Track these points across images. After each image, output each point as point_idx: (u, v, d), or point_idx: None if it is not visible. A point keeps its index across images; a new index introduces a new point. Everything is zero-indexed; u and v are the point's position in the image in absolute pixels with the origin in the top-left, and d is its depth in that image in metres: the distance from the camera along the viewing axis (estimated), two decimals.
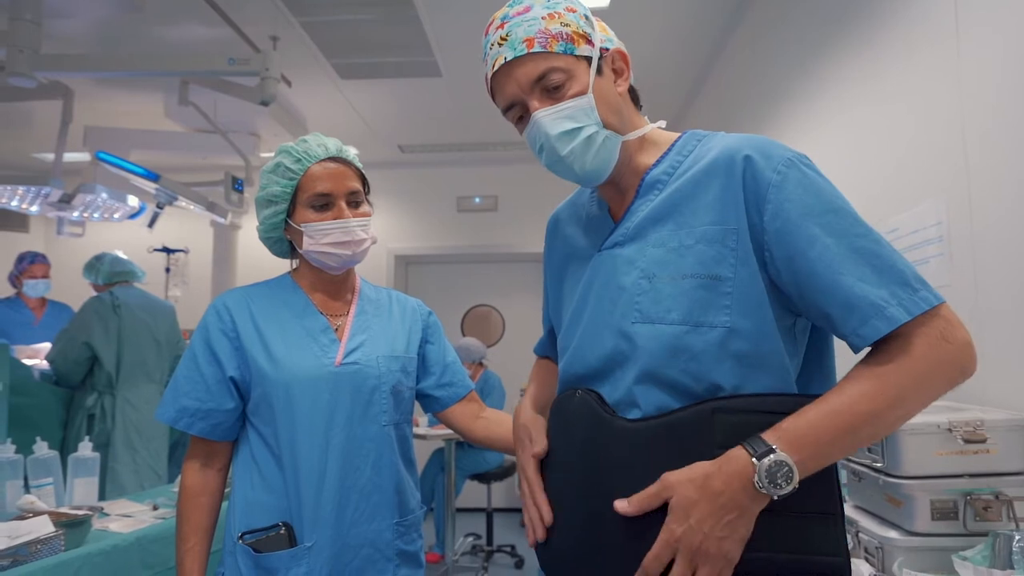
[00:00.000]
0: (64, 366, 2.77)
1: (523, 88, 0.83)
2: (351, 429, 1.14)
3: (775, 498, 0.69)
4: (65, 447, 2.70)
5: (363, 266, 1.30)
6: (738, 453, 0.70)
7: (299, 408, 1.12)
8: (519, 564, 4.03)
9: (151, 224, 3.58)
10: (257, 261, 5.05)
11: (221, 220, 3.90)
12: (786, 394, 0.76)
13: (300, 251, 1.21)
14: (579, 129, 0.83)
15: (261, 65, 2.81)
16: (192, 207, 3.67)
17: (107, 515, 1.72)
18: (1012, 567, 1.06)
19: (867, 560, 1.29)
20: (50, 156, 3.16)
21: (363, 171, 1.25)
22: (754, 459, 0.68)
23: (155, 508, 1.80)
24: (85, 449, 1.82)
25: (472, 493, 4.74)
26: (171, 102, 3.83)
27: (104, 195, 3.20)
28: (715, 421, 0.74)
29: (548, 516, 0.85)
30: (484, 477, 4.11)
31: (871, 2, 1.92)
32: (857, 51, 2.01)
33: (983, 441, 1.21)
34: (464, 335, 5.50)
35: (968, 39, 1.49)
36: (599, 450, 0.80)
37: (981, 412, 1.27)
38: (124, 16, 3.06)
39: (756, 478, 0.68)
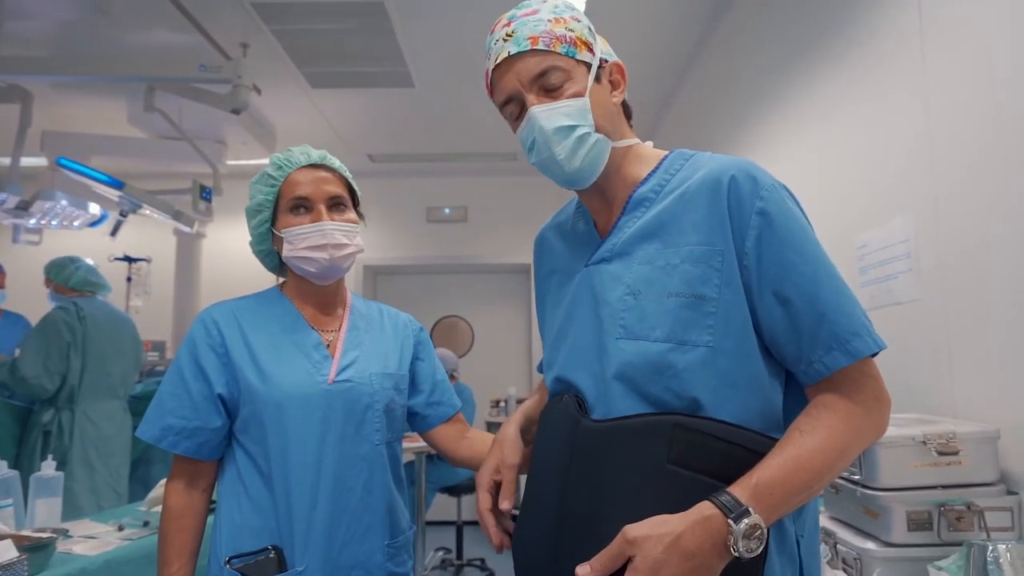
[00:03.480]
0: (42, 379, 2.62)
1: (523, 83, 0.85)
2: (343, 448, 1.11)
3: (742, 559, 0.67)
4: (19, 465, 2.59)
5: None
6: (710, 512, 0.68)
7: (291, 427, 1.09)
8: None
9: (114, 232, 3.47)
10: (222, 270, 4.94)
11: (187, 229, 3.80)
12: (747, 428, 0.76)
13: (284, 260, 1.19)
14: (574, 127, 0.84)
15: (233, 72, 2.77)
16: (157, 215, 3.57)
17: (71, 537, 1.65)
18: None
19: (845, 571, 1.32)
20: (5, 161, 3.04)
21: (350, 181, 1.23)
22: (730, 520, 0.67)
23: (121, 529, 1.74)
24: (48, 468, 1.74)
25: (442, 506, 4.69)
26: (134, 108, 3.73)
27: (64, 202, 3.09)
28: (674, 435, 0.74)
29: (497, 538, 0.89)
30: (454, 490, 4.07)
31: (840, 22, 1.99)
32: (827, 70, 2.07)
33: (956, 453, 1.26)
34: (434, 346, 5.46)
35: (934, 61, 1.55)
36: (569, 449, 0.81)
37: (953, 424, 1.32)
38: (88, 19, 2.97)
39: (731, 541, 0.66)
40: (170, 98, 3.27)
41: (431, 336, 5.65)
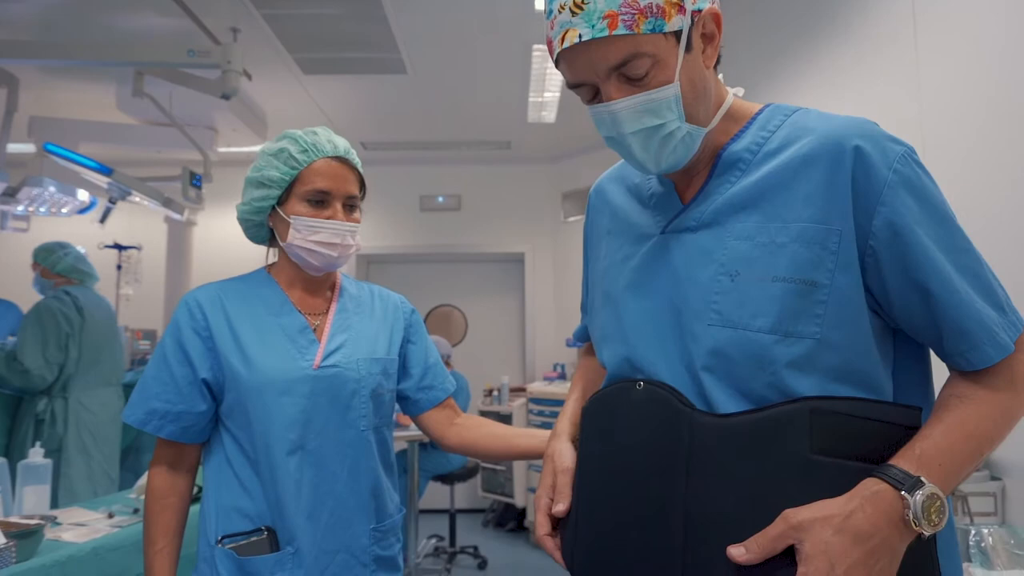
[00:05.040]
0: (43, 370, 2.60)
1: (599, 74, 0.71)
2: (328, 435, 1.10)
3: (924, 536, 0.61)
4: (10, 454, 2.58)
5: None
6: (878, 487, 0.62)
7: (274, 413, 1.07)
8: (482, 565, 4.01)
9: (103, 219, 3.44)
10: (213, 258, 4.91)
11: (177, 216, 3.78)
12: (882, 401, 0.69)
13: (282, 244, 1.16)
14: (659, 126, 0.72)
15: (223, 58, 2.74)
16: (146, 202, 3.55)
17: (60, 524, 1.64)
18: (970, 560, 1.11)
19: None
20: None
21: (363, 177, 1.21)
22: (904, 492, 0.61)
23: (110, 516, 1.74)
24: (36, 455, 1.73)
25: (435, 494, 4.71)
26: (123, 93, 3.69)
27: (52, 188, 3.06)
28: (812, 423, 0.66)
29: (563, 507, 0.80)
30: (447, 478, 4.08)
31: (833, 18, 1.98)
32: (818, 66, 2.07)
33: None
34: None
35: (927, 60, 1.55)
36: (677, 448, 0.71)
37: None
38: (75, 2, 2.93)
39: (912, 515, 0.60)
40: (159, 84, 3.24)
41: (425, 325, 5.64)
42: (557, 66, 0.75)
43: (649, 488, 0.72)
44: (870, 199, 0.69)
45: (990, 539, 1.12)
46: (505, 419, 4.66)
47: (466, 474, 4.15)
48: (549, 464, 0.85)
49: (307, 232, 1.12)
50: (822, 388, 0.69)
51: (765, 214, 0.73)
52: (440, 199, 5.40)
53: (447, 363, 4.39)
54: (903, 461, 0.63)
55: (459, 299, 5.64)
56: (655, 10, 0.68)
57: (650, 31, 0.68)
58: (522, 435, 1.22)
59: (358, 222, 1.18)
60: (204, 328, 1.11)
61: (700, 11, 0.72)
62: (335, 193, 1.13)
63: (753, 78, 2.59)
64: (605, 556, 0.75)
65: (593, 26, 0.68)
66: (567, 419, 0.92)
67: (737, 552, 0.63)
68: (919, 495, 0.60)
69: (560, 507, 0.80)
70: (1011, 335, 0.69)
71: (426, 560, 4.13)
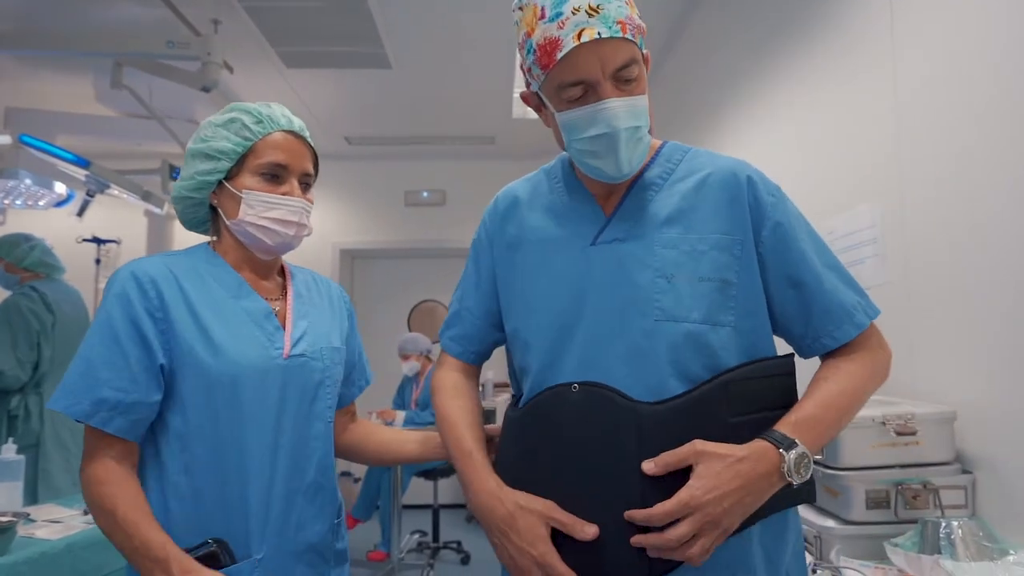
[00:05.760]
0: (16, 370, 2.54)
1: (605, 71, 0.82)
2: (299, 428, 1.03)
3: (794, 485, 0.79)
4: None
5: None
6: (764, 445, 0.79)
7: (246, 405, 0.98)
8: (465, 560, 4.02)
9: (81, 213, 3.38)
10: None
11: (157, 210, 3.73)
12: (766, 359, 0.88)
13: (228, 222, 1.05)
14: (639, 128, 0.86)
15: (202, 49, 2.70)
16: (125, 196, 3.50)
17: (33, 521, 1.62)
18: (939, 552, 1.13)
19: (806, 549, 1.35)
20: None
21: (318, 158, 1.14)
22: (781, 450, 0.78)
23: (85, 513, 1.72)
24: (8, 452, 1.71)
25: (418, 490, 4.71)
26: (102, 85, 3.64)
27: (28, 181, 3.01)
28: (729, 393, 0.82)
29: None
30: (430, 473, 4.09)
31: (811, 12, 2.00)
32: (797, 60, 2.08)
33: (913, 434, 1.28)
34: (411, 330, 5.46)
35: (903, 54, 1.56)
36: (626, 441, 0.80)
37: (912, 406, 1.34)
38: None
39: (784, 467, 0.78)
40: (139, 75, 3.19)
41: (408, 321, 5.64)
42: (554, 65, 0.82)
43: (609, 477, 0.81)
44: (760, 215, 0.89)
45: (960, 531, 1.14)
46: (489, 414, 4.66)
47: (449, 469, 4.15)
48: (529, 517, 0.82)
49: (261, 208, 1.03)
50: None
51: (684, 228, 0.88)
52: (425, 194, 5.38)
53: (428, 359, 4.37)
54: (783, 427, 0.81)
55: (444, 294, 5.63)
56: (642, 31, 0.85)
57: (639, 45, 0.84)
58: (411, 440, 1.18)
59: (312, 202, 1.10)
60: (159, 308, 0.97)
61: (644, 51, 0.89)
62: (292, 168, 1.06)
63: (733, 78, 2.60)
64: (579, 551, 0.81)
65: (610, 27, 0.81)
66: (478, 444, 0.93)
67: (648, 467, 0.78)
68: (793, 453, 0.78)
69: (591, 528, 0.79)
70: (868, 314, 0.89)
71: (409, 555, 4.12)
